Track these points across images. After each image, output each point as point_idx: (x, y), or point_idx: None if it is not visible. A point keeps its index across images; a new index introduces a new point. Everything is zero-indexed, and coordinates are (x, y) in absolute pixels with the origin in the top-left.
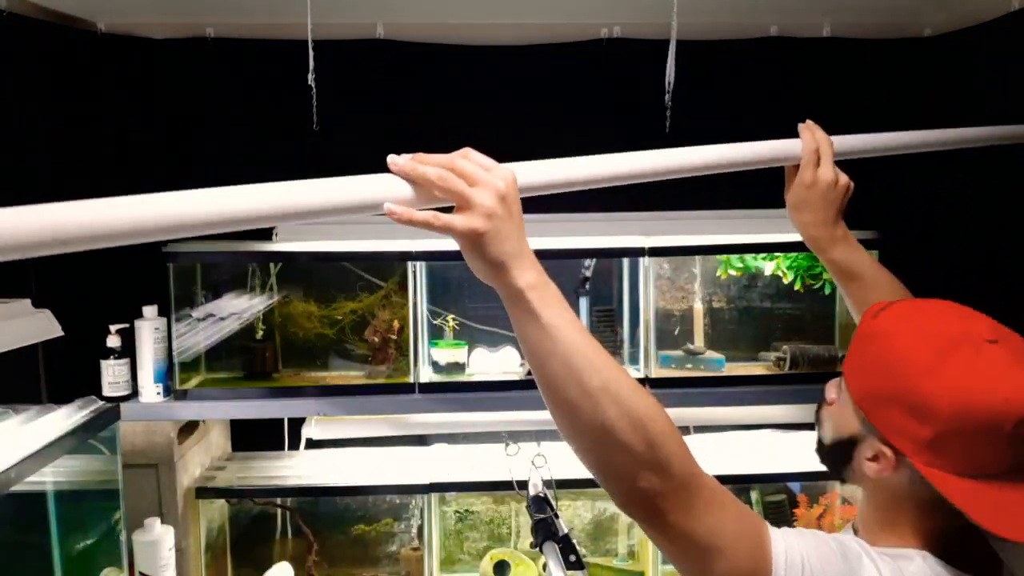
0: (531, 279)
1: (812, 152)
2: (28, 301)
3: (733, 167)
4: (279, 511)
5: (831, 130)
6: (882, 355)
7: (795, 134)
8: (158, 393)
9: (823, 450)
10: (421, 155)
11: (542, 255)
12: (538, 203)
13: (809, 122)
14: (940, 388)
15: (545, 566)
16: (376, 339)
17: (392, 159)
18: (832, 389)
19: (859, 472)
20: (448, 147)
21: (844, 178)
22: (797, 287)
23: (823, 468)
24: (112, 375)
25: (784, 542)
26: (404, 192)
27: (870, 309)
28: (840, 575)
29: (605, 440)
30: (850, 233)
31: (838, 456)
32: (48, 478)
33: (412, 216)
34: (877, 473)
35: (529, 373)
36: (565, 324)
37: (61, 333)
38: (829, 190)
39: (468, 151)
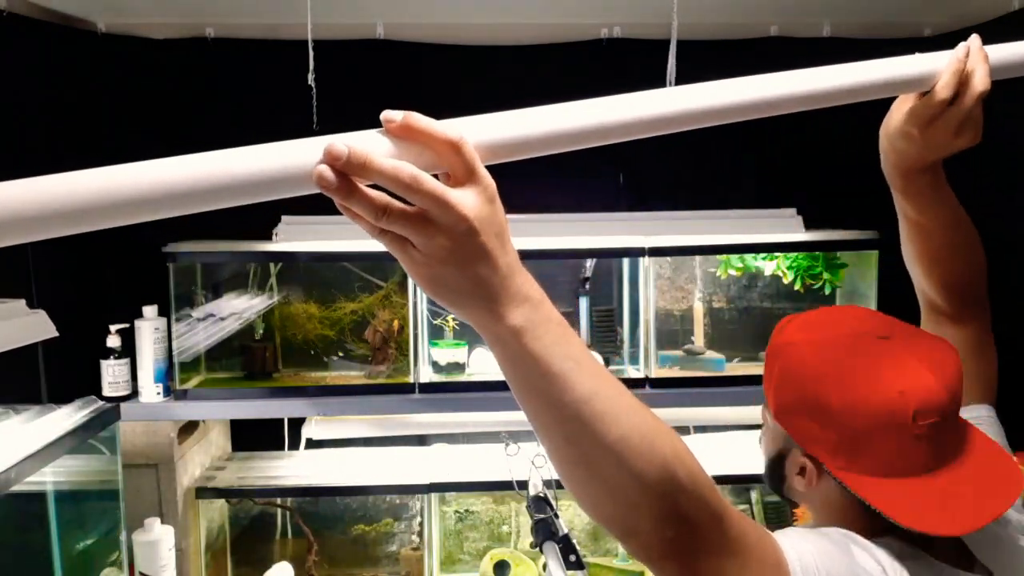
0: (521, 318)
1: (958, 68)
2: (23, 301)
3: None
4: (279, 511)
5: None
6: (787, 367)
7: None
8: (158, 393)
9: (765, 470)
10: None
11: (542, 255)
12: (538, 204)
13: (975, 40)
14: (833, 390)
15: (545, 566)
16: (376, 339)
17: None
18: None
19: (793, 488)
20: None
21: (975, 111)
22: (797, 287)
23: None
24: (112, 375)
25: (794, 549)
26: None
27: (778, 324)
28: (845, 567)
29: (631, 495)
30: (941, 180)
31: (773, 474)
32: (48, 478)
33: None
34: (805, 487)
35: None
36: (572, 367)
37: (56, 334)
38: (945, 133)
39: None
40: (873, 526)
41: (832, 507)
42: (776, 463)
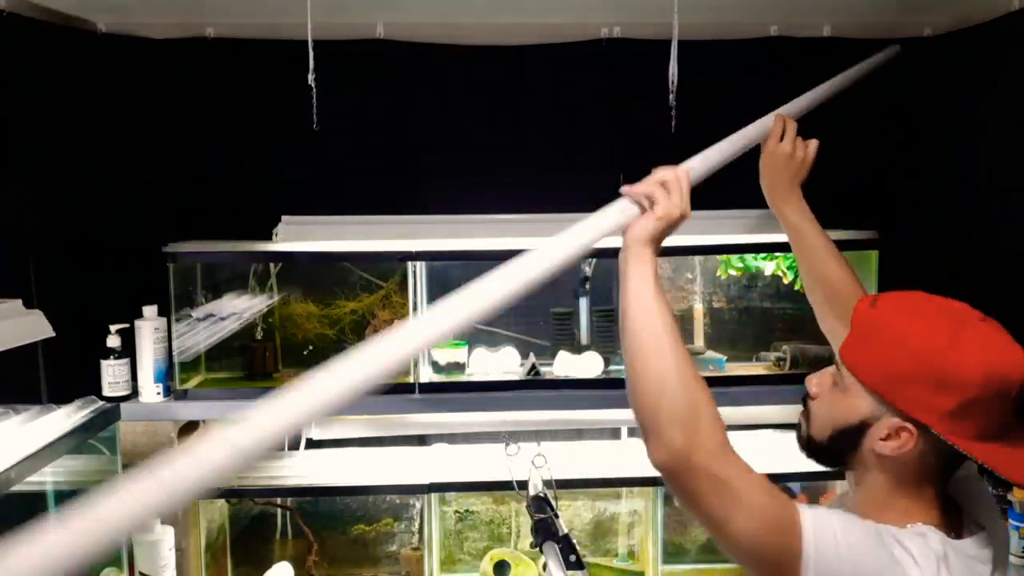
0: (651, 260)
1: (779, 127)
2: (19, 301)
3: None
4: (279, 511)
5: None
6: (897, 340)
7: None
8: (158, 393)
9: (816, 444)
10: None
11: None
12: (538, 204)
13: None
14: (965, 360)
15: (545, 566)
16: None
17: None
18: (815, 383)
19: (868, 455)
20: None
21: (802, 154)
22: (797, 287)
23: (821, 467)
24: (112, 375)
25: (813, 517)
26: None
27: (862, 301)
28: (871, 550)
29: (661, 385)
30: (804, 205)
31: (841, 444)
32: (48, 478)
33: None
34: (895, 450)
35: (528, 372)
36: (662, 293)
37: (52, 334)
38: (786, 160)
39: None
40: (922, 502)
41: (902, 474)
42: (852, 430)
